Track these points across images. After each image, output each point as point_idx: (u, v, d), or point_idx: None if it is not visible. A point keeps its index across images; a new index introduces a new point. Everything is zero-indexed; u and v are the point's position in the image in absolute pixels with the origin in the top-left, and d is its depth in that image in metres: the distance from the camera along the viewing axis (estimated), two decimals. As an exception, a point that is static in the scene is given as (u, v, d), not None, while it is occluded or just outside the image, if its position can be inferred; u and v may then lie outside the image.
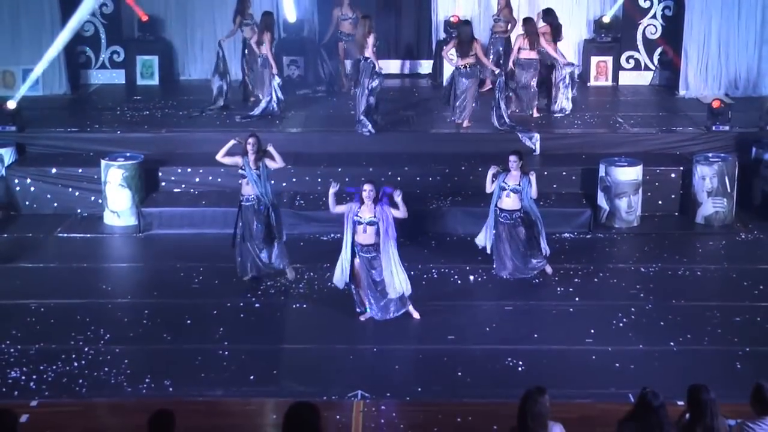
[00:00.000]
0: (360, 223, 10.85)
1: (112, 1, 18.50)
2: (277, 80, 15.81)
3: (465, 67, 15.25)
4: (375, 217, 10.79)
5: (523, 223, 11.96)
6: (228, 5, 17.97)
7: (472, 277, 12.03)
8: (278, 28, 17.89)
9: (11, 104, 15.21)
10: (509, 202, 11.90)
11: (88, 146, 15.03)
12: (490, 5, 18.44)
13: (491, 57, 16.96)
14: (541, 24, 16.19)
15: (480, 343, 10.45)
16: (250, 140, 11.77)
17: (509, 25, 17.50)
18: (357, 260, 10.94)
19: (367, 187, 10.86)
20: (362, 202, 10.86)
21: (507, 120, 15.14)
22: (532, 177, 11.82)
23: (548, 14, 16.51)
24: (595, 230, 13.64)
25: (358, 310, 11.03)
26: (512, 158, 11.95)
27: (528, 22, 16.04)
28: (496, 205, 11.99)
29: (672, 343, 10.38)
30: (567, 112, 16.07)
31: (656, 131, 15.47)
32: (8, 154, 14.55)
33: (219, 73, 16.53)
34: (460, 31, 15.55)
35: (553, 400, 6.86)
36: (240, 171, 11.80)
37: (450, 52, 15.54)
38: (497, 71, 15.58)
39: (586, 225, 13.67)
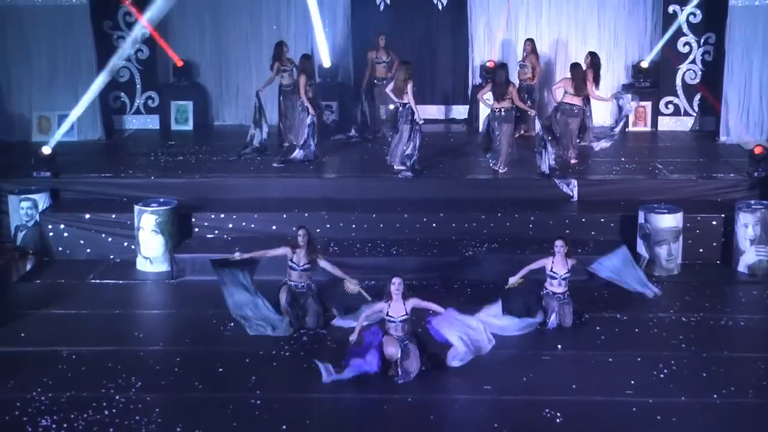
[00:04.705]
0: (392, 321, 10.61)
1: (148, 47, 18.60)
2: (308, 120, 15.75)
3: (500, 110, 15.17)
4: (407, 313, 10.57)
5: (573, 301, 11.98)
6: (263, 50, 18.09)
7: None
8: (314, 73, 17.86)
9: (46, 150, 15.28)
10: (561, 288, 11.92)
11: (121, 192, 15.01)
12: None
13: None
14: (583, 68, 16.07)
15: (517, 393, 10.25)
16: (300, 232, 11.74)
17: (535, 71, 17.41)
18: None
19: (396, 280, 10.60)
20: (390, 299, 10.59)
21: (553, 165, 14.98)
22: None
23: (594, 58, 16.41)
24: (635, 278, 13.43)
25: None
26: (558, 243, 11.91)
27: (576, 67, 15.86)
28: (547, 289, 11.97)
29: (715, 396, 10.12)
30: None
31: (697, 178, 15.26)
32: (42, 200, 14.58)
33: (254, 122, 16.57)
34: (496, 75, 15.48)
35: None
36: (289, 263, 11.75)
37: (485, 96, 15.46)
38: (533, 113, 15.47)
39: (626, 273, 13.47)
